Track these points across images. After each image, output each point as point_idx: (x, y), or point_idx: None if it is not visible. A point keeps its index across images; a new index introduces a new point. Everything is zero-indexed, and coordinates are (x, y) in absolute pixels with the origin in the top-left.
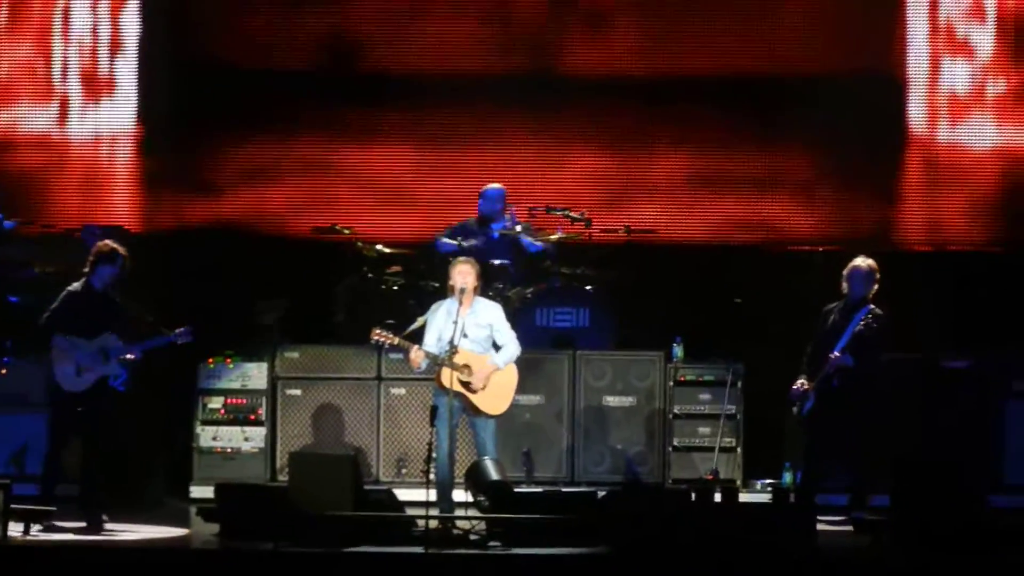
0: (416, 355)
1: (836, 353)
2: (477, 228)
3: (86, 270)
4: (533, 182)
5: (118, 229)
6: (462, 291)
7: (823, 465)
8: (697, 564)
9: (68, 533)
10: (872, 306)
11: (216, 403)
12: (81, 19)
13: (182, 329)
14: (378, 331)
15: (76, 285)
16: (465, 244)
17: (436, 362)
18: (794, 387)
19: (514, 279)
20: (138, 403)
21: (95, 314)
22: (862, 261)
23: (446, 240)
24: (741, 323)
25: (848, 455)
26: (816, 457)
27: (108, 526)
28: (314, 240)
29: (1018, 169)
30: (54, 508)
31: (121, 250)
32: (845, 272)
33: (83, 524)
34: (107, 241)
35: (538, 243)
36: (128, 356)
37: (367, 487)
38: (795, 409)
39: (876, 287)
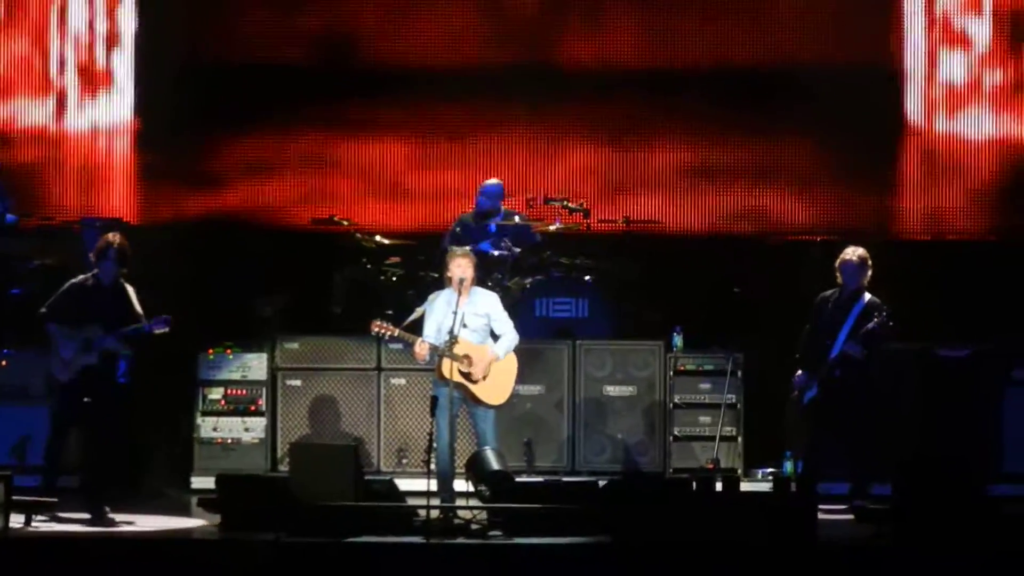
0: (421, 348)
1: (842, 344)
2: (475, 223)
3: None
4: (531, 173)
5: (116, 222)
6: (461, 282)
7: (824, 454)
8: (698, 554)
9: (70, 524)
10: (870, 296)
11: (216, 394)
12: (78, 13)
13: (158, 318)
14: (378, 323)
15: (84, 277)
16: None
17: (436, 353)
18: (796, 377)
19: (513, 270)
20: (139, 394)
21: (98, 306)
22: (852, 253)
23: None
24: (740, 312)
25: (850, 444)
26: (818, 447)
27: (109, 517)
28: (313, 231)
29: (1015, 159)
30: (56, 500)
31: (114, 241)
32: (836, 264)
33: (85, 515)
34: (106, 236)
35: (535, 235)
36: (114, 345)
37: (368, 477)
38: (795, 400)
39: (869, 274)
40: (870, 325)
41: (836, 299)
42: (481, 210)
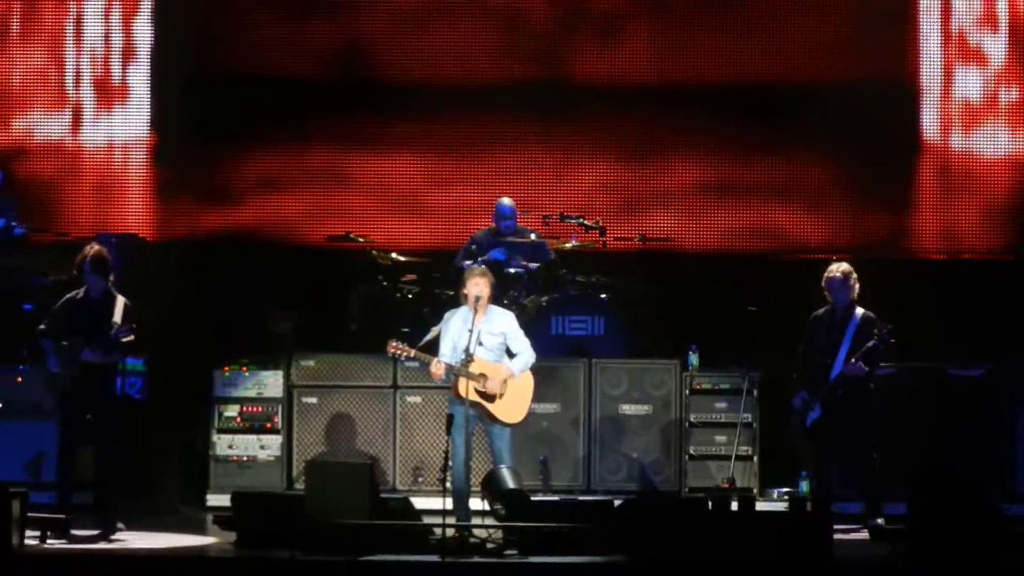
0: (437, 367)
1: (846, 364)
2: (490, 240)
3: None
4: (547, 190)
5: (132, 237)
6: (477, 299)
7: (834, 474)
8: (713, 573)
9: (85, 541)
10: (863, 311)
11: (232, 411)
12: (94, 27)
13: (122, 328)
14: (394, 343)
15: (76, 291)
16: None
17: (452, 371)
18: (796, 399)
19: (529, 288)
20: (154, 411)
21: (82, 319)
22: (836, 269)
23: (467, 263)
24: (756, 331)
25: (858, 463)
26: (827, 467)
27: (124, 534)
28: (329, 248)
29: None
30: (70, 516)
31: (88, 252)
32: (823, 283)
33: (99, 532)
34: (83, 249)
35: (551, 252)
36: (92, 356)
37: (383, 495)
38: (795, 421)
39: (857, 288)
40: (871, 343)
41: (830, 317)
42: (503, 232)
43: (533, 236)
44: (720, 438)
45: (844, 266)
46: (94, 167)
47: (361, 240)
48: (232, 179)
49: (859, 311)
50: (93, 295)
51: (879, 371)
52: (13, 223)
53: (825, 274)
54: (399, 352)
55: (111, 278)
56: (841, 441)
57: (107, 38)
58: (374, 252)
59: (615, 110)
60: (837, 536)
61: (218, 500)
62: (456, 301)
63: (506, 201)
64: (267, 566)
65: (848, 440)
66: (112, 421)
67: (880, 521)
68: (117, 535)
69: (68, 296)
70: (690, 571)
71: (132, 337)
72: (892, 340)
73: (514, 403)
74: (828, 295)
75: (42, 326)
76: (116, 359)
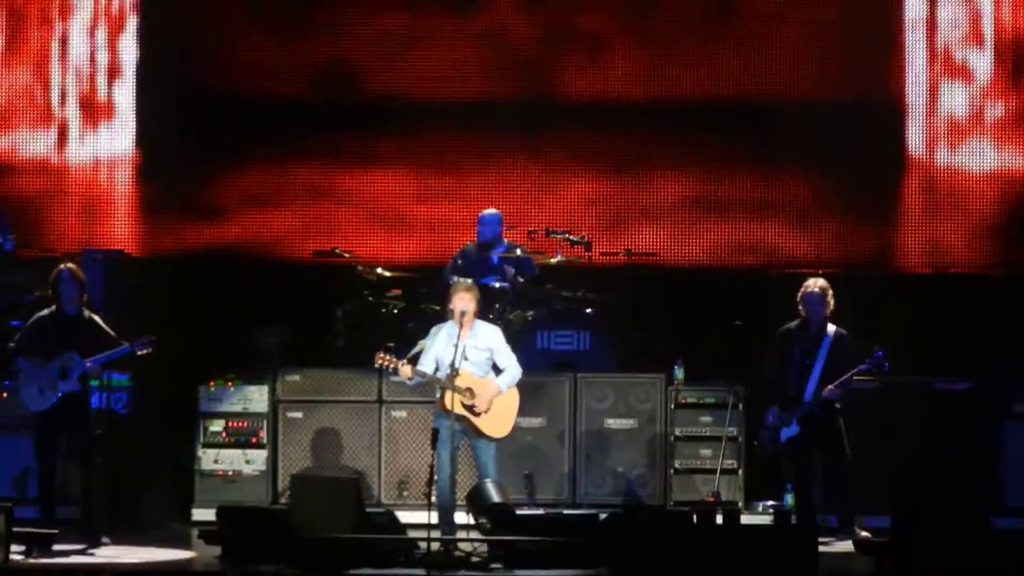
0: (404, 369)
1: (816, 386)
2: (477, 253)
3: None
4: (532, 206)
5: (118, 253)
6: (463, 314)
7: (814, 488)
8: None
9: (70, 556)
10: (835, 328)
11: (217, 426)
12: (79, 45)
13: (141, 340)
14: (382, 355)
15: (47, 310)
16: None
17: (438, 385)
18: (769, 416)
19: (514, 303)
20: (140, 426)
21: (65, 335)
22: (813, 284)
23: (453, 277)
24: (741, 345)
25: (835, 478)
26: (809, 482)
27: (110, 549)
28: (314, 264)
29: (1017, 192)
30: (56, 531)
31: (61, 267)
32: (799, 297)
33: (84, 547)
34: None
35: (536, 267)
36: (95, 368)
37: (369, 509)
38: (765, 437)
39: (832, 304)
40: (862, 366)
41: (803, 333)
42: (483, 240)
43: (519, 251)
44: (705, 452)
45: (821, 281)
46: (80, 184)
47: (347, 256)
48: (218, 195)
49: (831, 328)
50: (68, 311)
51: (864, 385)
52: (1, 239)
53: (802, 289)
54: (387, 364)
55: (85, 297)
56: (820, 455)
57: (93, 56)
58: (360, 268)
59: (601, 126)
60: (822, 549)
61: (203, 515)
62: (443, 316)
63: (491, 210)
64: None
65: (826, 453)
66: (94, 437)
67: (865, 534)
68: (102, 550)
69: (39, 315)
70: None
71: (151, 350)
72: (886, 365)
73: (499, 417)
74: (803, 309)
75: (12, 344)
76: (101, 374)
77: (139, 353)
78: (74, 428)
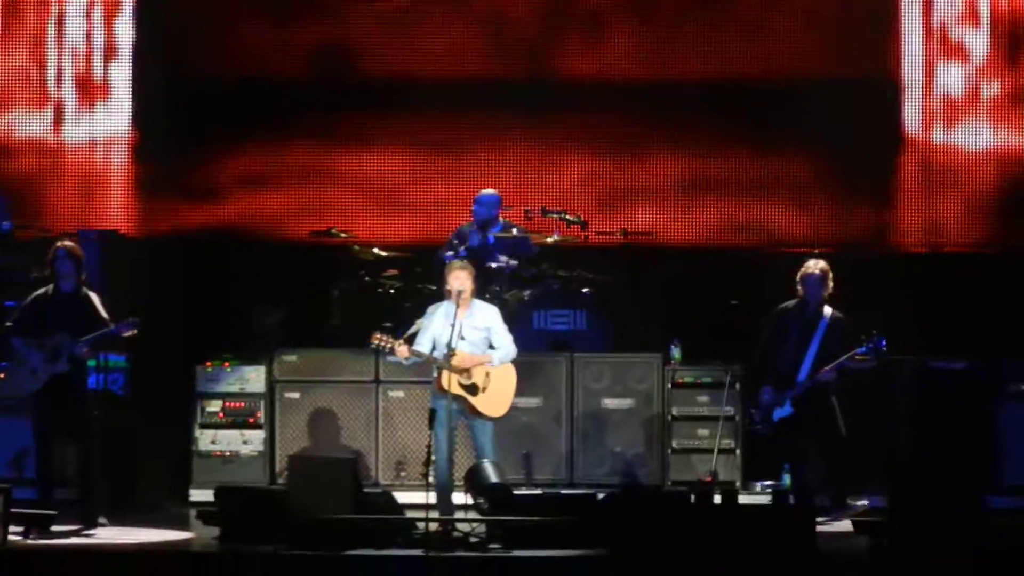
0: (400, 349)
1: (810, 368)
2: (473, 234)
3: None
4: (529, 185)
5: (113, 234)
6: (459, 294)
7: (809, 467)
8: (697, 566)
9: (68, 537)
10: (831, 310)
11: (214, 407)
12: (75, 25)
13: (125, 321)
14: (378, 335)
15: (44, 288)
16: (462, 248)
17: (435, 365)
18: (763, 395)
19: (511, 282)
20: (136, 407)
21: (60, 314)
22: (814, 264)
23: (448, 255)
24: (738, 325)
25: (830, 458)
26: (804, 461)
27: (107, 530)
28: (311, 244)
29: (1013, 170)
30: (54, 512)
31: (60, 245)
32: (798, 276)
33: (82, 527)
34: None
35: (533, 247)
36: (83, 351)
37: (366, 490)
38: (759, 416)
39: (831, 287)
40: (860, 350)
41: (800, 313)
42: (478, 219)
43: (515, 231)
44: (703, 432)
45: (823, 263)
46: (76, 164)
47: (344, 235)
48: (214, 175)
49: (828, 310)
50: (64, 289)
51: (860, 365)
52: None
53: (802, 269)
54: (383, 344)
55: (83, 275)
56: (814, 434)
57: (89, 36)
58: (356, 247)
59: (597, 105)
60: (819, 529)
61: (201, 495)
62: (440, 296)
63: (488, 190)
64: (250, 561)
65: (820, 432)
66: (91, 417)
67: (863, 502)
68: (100, 531)
69: (37, 293)
70: (673, 565)
71: (135, 331)
72: (885, 348)
73: (497, 397)
74: (801, 289)
75: (8, 323)
76: (95, 355)
77: (124, 335)
78: (69, 409)
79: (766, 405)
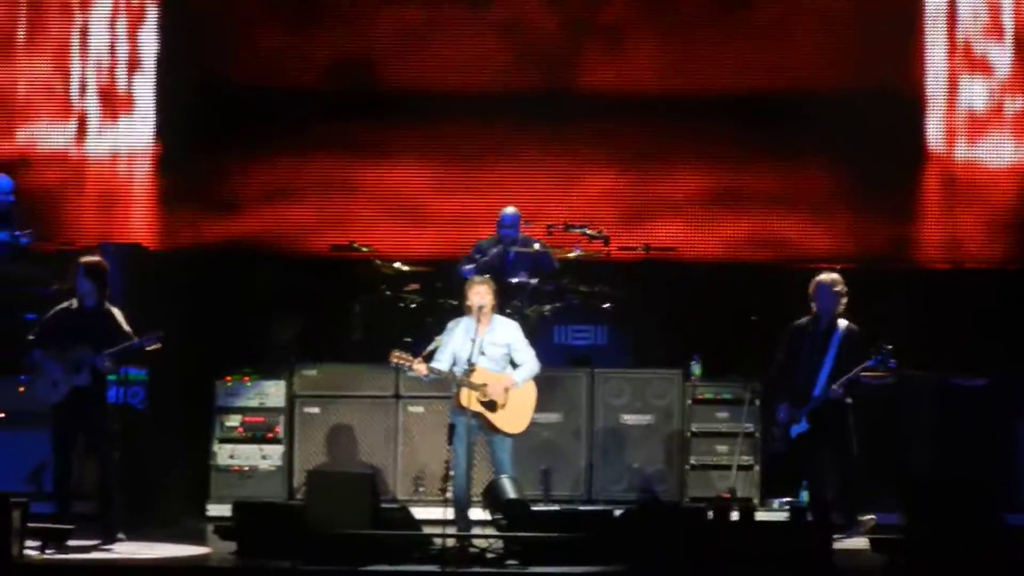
0: (419, 366)
1: (825, 385)
2: (492, 247)
3: None
4: (550, 199)
5: (135, 247)
6: (480, 309)
7: (827, 484)
8: None
9: (85, 552)
10: (846, 323)
11: (234, 421)
12: (99, 37)
13: (149, 335)
14: (397, 354)
15: (68, 302)
16: (483, 261)
17: (454, 381)
18: (780, 412)
19: (532, 297)
20: (156, 421)
21: (82, 328)
22: (826, 277)
23: (468, 268)
24: (759, 341)
25: (844, 474)
26: (821, 478)
27: (125, 544)
28: (332, 258)
29: None
30: (71, 526)
31: (83, 261)
32: (811, 290)
33: (100, 542)
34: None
35: (555, 261)
36: (106, 364)
37: (384, 505)
38: (778, 433)
39: (844, 301)
40: (869, 363)
41: (814, 328)
42: (507, 242)
43: (537, 245)
44: (721, 448)
45: (833, 275)
46: (98, 177)
47: (365, 249)
48: (236, 189)
49: (842, 323)
50: (87, 304)
51: (880, 381)
52: (18, 232)
53: (815, 281)
54: (402, 362)
55: (107, 291)
56: (828, 450)
57: (112, 48)
58: (377, 261)
59: (619, 119)
60: (836, 546)
61: (219, 510)
62: (460, 311)
63: (509, 209)
64: None
65: (834, 450)
66: (110, 431)
67: (871, 516)
68: (118, 545)
69: (61, 307)
70: None
71: (159, 345)
72: (892, 362)
73: (516, 413)
74: (815, 303)
75: (31, 336)
76: (117, 368)
77: (148, 348)
78: (89, 423)
79: (783, 423)
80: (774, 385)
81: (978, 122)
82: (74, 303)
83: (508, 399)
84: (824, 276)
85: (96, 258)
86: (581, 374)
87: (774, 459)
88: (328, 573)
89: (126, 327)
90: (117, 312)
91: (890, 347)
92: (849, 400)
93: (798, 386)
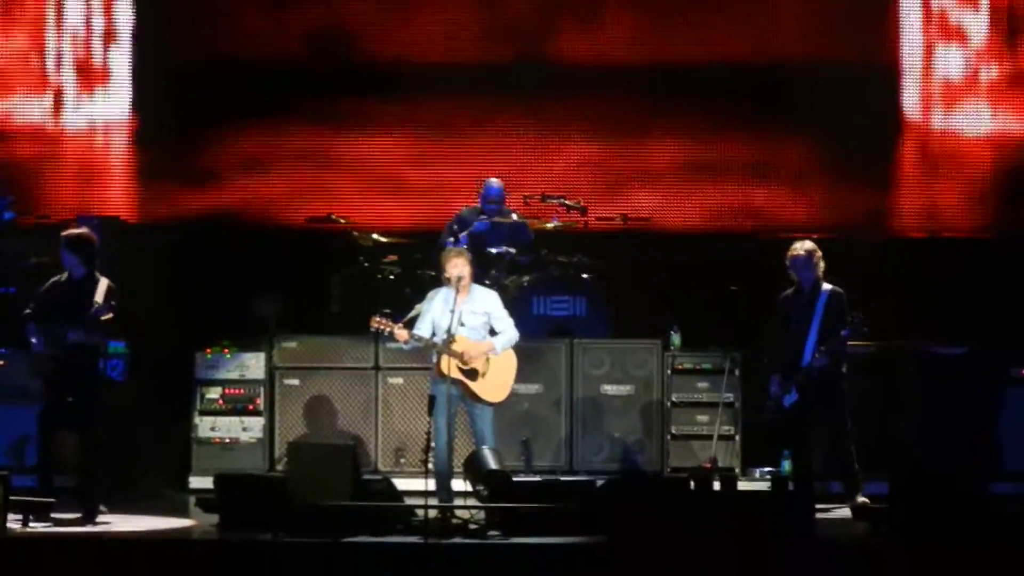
0: (400, 332)
1: (815, 353)
2: (475, 218)
3: None
4: (528, 170)
5: (113, 220)
6: (459, 279)
7: (815, 454)
8: (695, 553)
9: (67, 525)
10: (830, 287)
11: (214, 393)
12: (75, 9)
13: (100, 306)
14: (377, 319)
15: (61, 275)
16: (462, 234)
17: (435, 350)
18: (773, 385)
19: (510, 268)
20: (136, 393)
21: (65, 301)
22: (799, 247)
23: (448, 240)
24: (738, 310)
25: (838, 444)
26: (808, 448)
27: (107, 517)
28: (310, 230)
29: (1012, 155)
30: (53, 499)
31: (67, 233)
32: (787, 262)
33: (81, 515)
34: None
35: (530, 232)
36: (75, 336)
37: (365, 476)
38: (772, 405)
39: (822, 266)
40: (843, 332)
41: (797, 298)
42: (491, 214)
43: (514, 216)
44: (702, 418)
45: (808, 244)
46: (75, 149)
47: (342, 221)
48: (213, 161)
49: (826, 287)
50: (75, 276)
51: (853, 351)
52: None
53: (789, 253)
54: (382, 327)
55: (95, 261)
56: (819, 422)
57: (88, 20)
58: (355, 233)
59: (597, 90)
60: (819, 515)
61: (200, 482)
62: (439, 282)
63: (495, 183)
64: (250, 548)
65: (826, 421)
66: (95, 404)
67: (863, 500)
68: (100, 518)
69: (53, 279)
70: (672, 551)
71: (110, 315)
72: (865, 329)
73: (496, 382)
74: (793, 274)
75: (27, 310)
76: (97, 340)
77: (101, 318)
78: (69, 395)
79: (775, 395)
80: (772, 356)
81: (954, 91)
82: (64, 276)
83: (489, 368)
84: (797, 248)
85: (78, 230)
86: (561, 345)
87: (764, 429)
88: (309, 545)
89: (98, 297)
90: (103, 283)
91: (862, 315)
92: (844, 369)
93: (789, 356)
